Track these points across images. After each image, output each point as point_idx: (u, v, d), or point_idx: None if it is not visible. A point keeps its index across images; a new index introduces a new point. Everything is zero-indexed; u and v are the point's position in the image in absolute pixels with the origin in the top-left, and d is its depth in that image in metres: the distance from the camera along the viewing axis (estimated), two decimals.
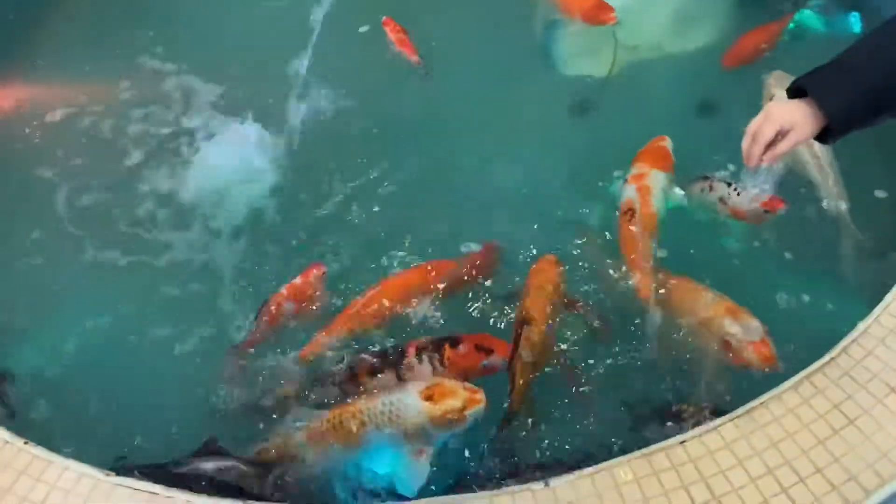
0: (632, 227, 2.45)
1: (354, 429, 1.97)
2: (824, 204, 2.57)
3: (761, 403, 1.79)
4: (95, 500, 1.76)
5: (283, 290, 2.44)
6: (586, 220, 2.68)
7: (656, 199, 2.52)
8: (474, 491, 1.77)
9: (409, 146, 3.04)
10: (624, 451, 1.78)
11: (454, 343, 2.16)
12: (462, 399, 1.92)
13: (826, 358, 1.86)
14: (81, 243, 2.77)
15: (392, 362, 2.17)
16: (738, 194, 2.40)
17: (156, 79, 3.35)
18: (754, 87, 2.90)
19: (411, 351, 2.17)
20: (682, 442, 1.74)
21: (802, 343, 2.08)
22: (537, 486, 1.70)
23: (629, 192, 2.55)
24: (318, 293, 2.45)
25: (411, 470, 1.91)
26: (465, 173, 2.93)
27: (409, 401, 1.95)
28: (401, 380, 2.14)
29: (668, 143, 2.71)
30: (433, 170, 2.94)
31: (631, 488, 1.68)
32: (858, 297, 2.24)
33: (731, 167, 2.59)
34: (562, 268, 2.34)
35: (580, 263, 2.49)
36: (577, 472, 1.72)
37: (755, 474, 1.67)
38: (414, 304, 2.38)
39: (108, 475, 1.81)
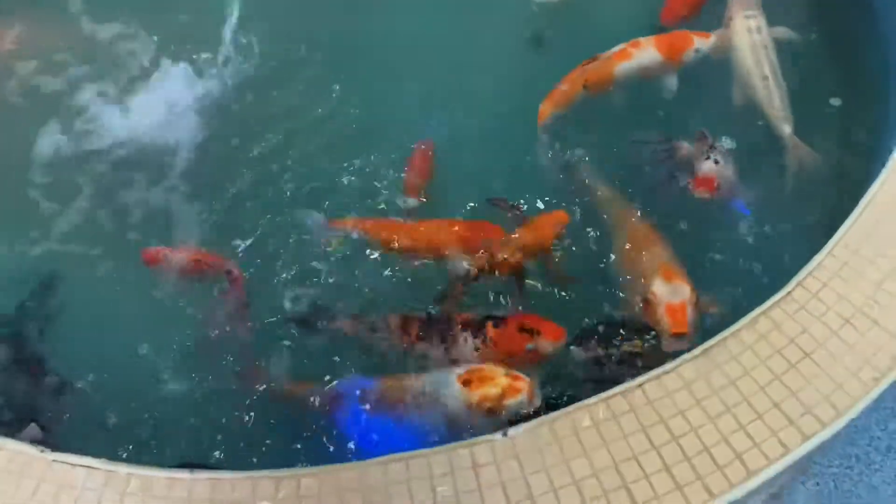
0: None
1: (394, 402, 1.94)
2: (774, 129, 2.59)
3: (719, 342, 1.76)
4: (30, 478, 1.66)
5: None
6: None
7: None
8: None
9: (355, 77, 2.94)
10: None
11: (498, 322, 2.06)
12: (500, 387, 1.86)
13: (783, 292, 1.84)
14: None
15: (438, 333, 2.09)
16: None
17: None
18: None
19: (457, 324, 2.09)
20: (640, 385, 1.71)
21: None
22: (496, 436, 1.66)
23: None
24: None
25: None
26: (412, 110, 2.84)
27: (447, 383, 1.89)
28: (446, 352, 2.06)
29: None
30: (381, 102, 2.86)
31: (590, 433, 1.64)
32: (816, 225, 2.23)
33: None
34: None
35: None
36: (535, 420, 1.68)
37: (713, 413, 1.65)
38: (451, 255, 2.29)
39: (42, 451, 1.71)
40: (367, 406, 2.01)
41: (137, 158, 2.77)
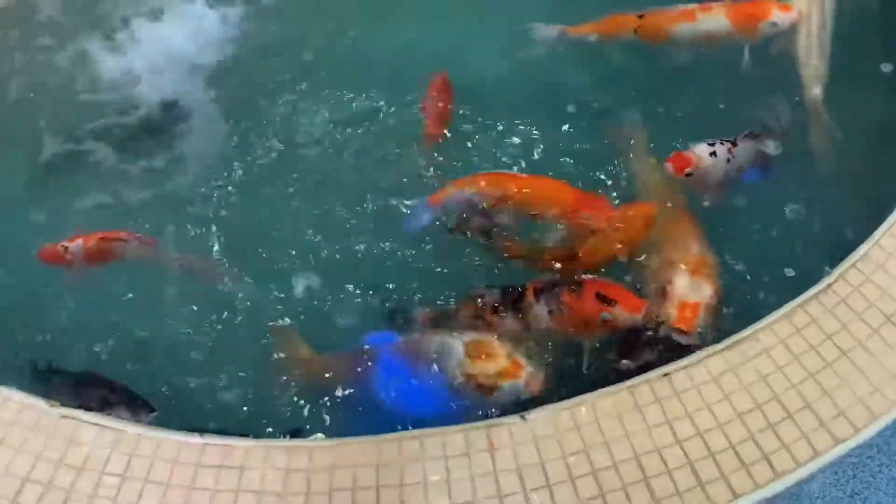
0: None
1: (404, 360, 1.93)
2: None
3: (751, 334, 1.69)
4: (38, 433, 1.64)
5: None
6: None
7: None
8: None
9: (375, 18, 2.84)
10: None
11: (574, 288, 1.97)
12: (497, 367, 1.82)
13: (822, 284, 1.75)
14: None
15: (512, 300, 2.02)
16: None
17: None
18: None
19: (531, 291, 2.00)
20: (665, 374, 1.65)
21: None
22: (513, 419, 1.61)
23: None
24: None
25: None
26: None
27: (453, 348, 1.87)
28: (522, 319, 2.00)
29: None
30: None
31: (612, 422, 1.59)
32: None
33: None
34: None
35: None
36: (556, 405, 1.63)
37: (742, 409, 1.59)
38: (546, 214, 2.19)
39: (52, 405, 1.68)
40: (377, 362, 1.98)
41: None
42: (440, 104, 2.55)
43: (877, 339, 1.66)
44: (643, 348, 1.88)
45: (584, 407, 1.62)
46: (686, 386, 1.63)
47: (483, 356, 1.86)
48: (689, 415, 1.59)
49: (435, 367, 1.90)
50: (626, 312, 1.92)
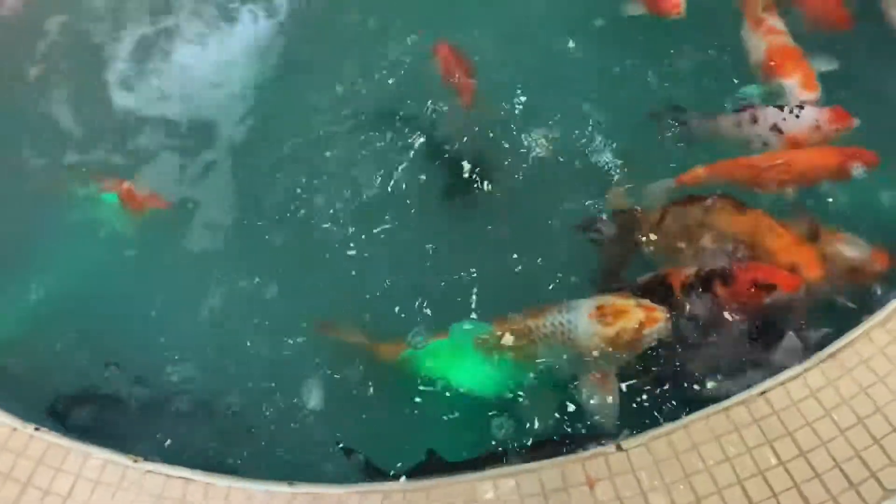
0: None
1: (525, 344, 1.85)
2: None
3: (848, 343, 1.63)
4: (127, 490, 1.62)
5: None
6: None
7: None
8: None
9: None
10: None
11: (726, 278, 1.87)
12: (636, 318, 1.77)
13: None
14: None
15: (659, 299, 1.90)
16: (797, 116, 2.07)
17: None
18: None
19: (677, 284, 1.91)
20: (762, 392, 1.60)
21: None
22: (610, 449, 1.58)
23: None
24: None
25: (597, 395, 1.79)
26: None
27: (579, 320, 1.81)
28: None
29: None
30: None
31: (712, 448, 1.55)
32: None
33: None
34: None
35: None
36: (649, 433, 1.59)
37: (845, 425, 1.54)
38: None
39: (136, 461, 1.66)
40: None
41: None
42: (462, 73, 2.53)
43: None
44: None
45: (679, 433, 1.57)
46: (784, 404, 1.58)
47: (616, 315, 1.81)
48: (789, 433, 1.55)
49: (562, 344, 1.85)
50: (787, 293, 1.83)
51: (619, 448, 1.57)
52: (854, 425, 1.54)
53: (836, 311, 1.81)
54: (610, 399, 1.76)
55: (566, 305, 1.87)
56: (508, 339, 1.87)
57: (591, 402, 1.78)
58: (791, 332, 1.75)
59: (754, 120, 2.17)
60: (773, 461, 1.52)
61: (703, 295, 1.86)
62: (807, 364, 1.62)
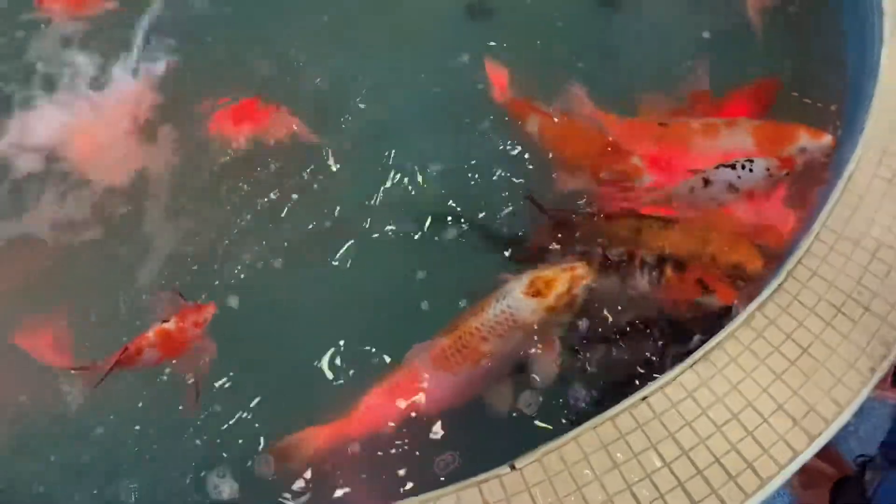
0: None
1: (479, 345, 1.92)
2: None
3: (717, 344, 1.73)
4: None
5: (150, 334, 1.99)
6: None
7: None
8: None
9: None
10: None
11: (678, 267, 2.03)
12: (565, 281, 1.93)
13: (774, 285, 1.81)
14: None
15: (617, 265, 2.07)
16: (751, 170, 2.11)
17: None
18: None
19: (637, 259, 2.06)
20: (644, 398, 1.67)
21: None
22: (504, 470, 1.60)
23: None
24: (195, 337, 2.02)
25: (546, 364, 1.94)
26: None
27: (519, 303, 1.92)
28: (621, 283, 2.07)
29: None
30: None
31: (601, 457, 1.60)
32: None
33: None
34: None
35: None
36: (541, 449, 1.62)
37: (720, 421, 1.63)
38: None
39: None
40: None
41: None
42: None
43: (830, 332, 1.73)
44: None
45: (570, 446, 1.62)
46: (664, 406, 1.66)
47: (549, 285, 1.94)
48: (671, 435, 1.62)
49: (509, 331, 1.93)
50: (718, 303, 1.98)
51: (512, 468, 1.60)
52: (729, 421, 1.63)
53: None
54: (557, 364, 1.94)
55: (498, 294, 1.99)
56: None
57: (542, 372, 1.93)
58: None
59: (706, 183, 2.18)
60: (658, 463, 1.58)
61: (650, 270, 2.04)
62: (683, 367, 1.71)
